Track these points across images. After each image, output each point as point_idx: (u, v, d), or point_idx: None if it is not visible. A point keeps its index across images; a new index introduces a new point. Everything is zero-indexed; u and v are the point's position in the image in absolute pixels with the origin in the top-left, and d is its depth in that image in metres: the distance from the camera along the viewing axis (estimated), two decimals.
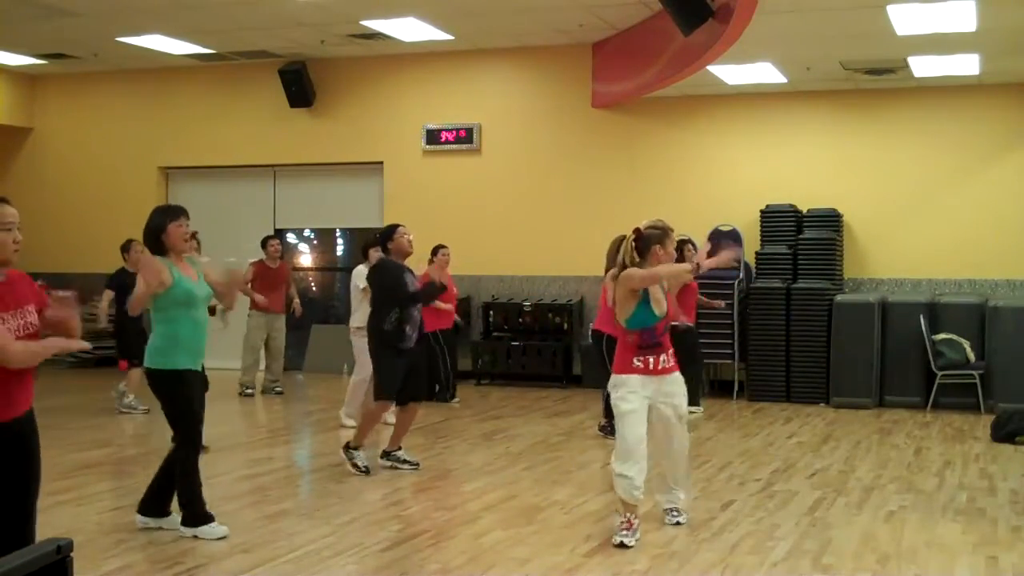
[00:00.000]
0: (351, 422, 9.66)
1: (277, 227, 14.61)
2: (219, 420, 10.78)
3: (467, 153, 13.55)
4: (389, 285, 7.54)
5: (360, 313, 9.59)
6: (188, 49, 13.25)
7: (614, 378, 5.84)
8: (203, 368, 5.97)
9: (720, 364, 12.23)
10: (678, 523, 6.08)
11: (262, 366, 12.12)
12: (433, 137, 13.63)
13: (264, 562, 5.30)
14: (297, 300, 11.99)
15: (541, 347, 12.69)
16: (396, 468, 7.74)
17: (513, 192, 13.35)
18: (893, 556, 5.52)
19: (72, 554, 2.27)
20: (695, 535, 5.87)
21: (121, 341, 10.41)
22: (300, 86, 13.77)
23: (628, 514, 5.70)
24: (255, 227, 14.37)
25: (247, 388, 11.90)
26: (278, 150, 14.35)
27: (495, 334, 13.02)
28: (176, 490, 5.84)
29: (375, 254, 9.47)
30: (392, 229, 7.75)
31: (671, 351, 5.89)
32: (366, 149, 13.98)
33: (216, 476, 7.72)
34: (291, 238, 14.96)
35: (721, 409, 11.18)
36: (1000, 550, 5.62)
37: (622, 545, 5.58)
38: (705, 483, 7.33)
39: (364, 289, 9.11)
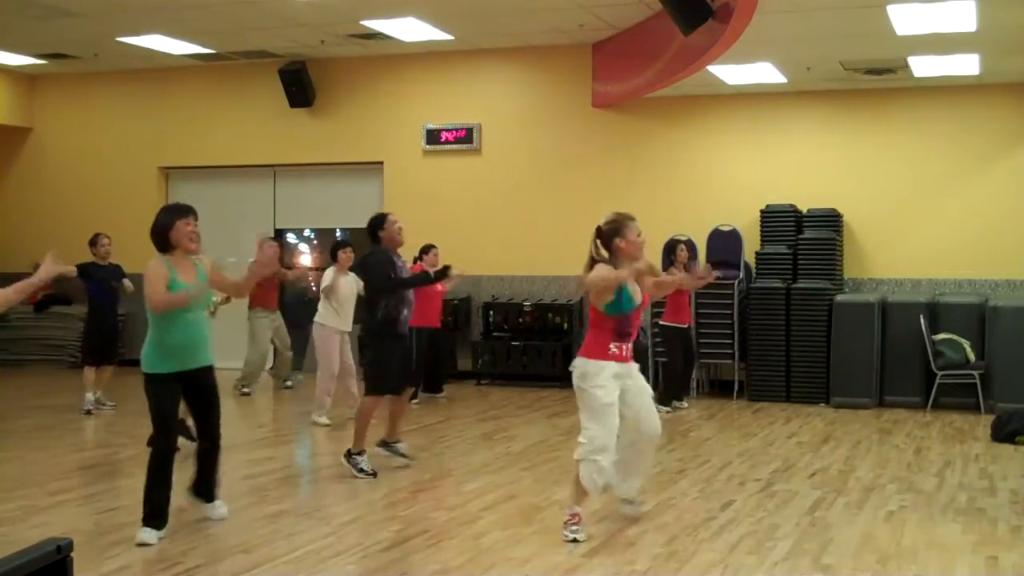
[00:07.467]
0: (323, 420, 9.71)
1: (277, 227, 14.63)
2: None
3: (467, 153, 13.55)
4: (382, 272, 7.34)
5: (318, 312, 9.76)
6: (188, 49, 13.25)
7: (587, 364, 5.68)
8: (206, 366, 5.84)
9: (720, 364, 12.24)
10: (640, 511, 6.13)
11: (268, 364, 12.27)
12: (433, 137, 13.63)
13: (264, 562, 5.29)
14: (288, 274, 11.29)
15: (541, 347, 12.68)
16: (392, 458, 7.71)
17: (513, 192, 13.35)
18: (893, 556, 5.51)
19: (72, 554, 2.27)
20: (695, 535, 5.86)
21: (96, 341, 10.49)
22: (300, 86, 13.77)
23: (578, 506, 5.69)
24: (255, 227, 14.36)
25: (245, 387, 11.89)
26: (278, 150, 14.35)
27: (495, 334, 13.01)
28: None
29: (344, 256, 9.71)
30: (382, 218, 7.54)
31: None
32: (366, 149, 13.98)
33: None
34: (291, 238, 14.96)
35: (721, 409, 11.18)
36: (1000, 550, 5.62)
37: (575, 542, 5.58)
38: (705, 483, 7.32)
39: (325, 289, 9.56)
